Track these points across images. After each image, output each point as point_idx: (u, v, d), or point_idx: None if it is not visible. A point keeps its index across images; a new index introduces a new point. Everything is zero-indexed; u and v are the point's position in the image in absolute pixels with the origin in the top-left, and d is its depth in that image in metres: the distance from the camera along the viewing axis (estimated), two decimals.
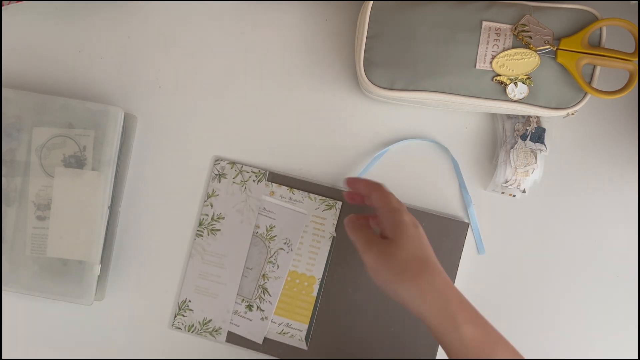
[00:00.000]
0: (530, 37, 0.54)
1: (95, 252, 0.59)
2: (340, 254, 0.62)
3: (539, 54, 0.55)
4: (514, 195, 0.63)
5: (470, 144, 0.64)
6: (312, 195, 0.63)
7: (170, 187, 0.64)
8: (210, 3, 0.64)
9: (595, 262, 0.63)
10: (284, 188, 0.63)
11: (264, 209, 0.63)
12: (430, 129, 0.64)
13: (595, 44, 0.56)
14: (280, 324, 0.62)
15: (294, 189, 0.63)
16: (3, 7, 0.63)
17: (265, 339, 0.62)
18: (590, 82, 0.56)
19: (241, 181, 0.63)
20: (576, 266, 0.63)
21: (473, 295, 0.62)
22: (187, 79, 0.64)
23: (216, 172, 0.63)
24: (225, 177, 0.63)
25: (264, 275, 0.63)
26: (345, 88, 0.64)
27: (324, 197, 0.63)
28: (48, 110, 0.60)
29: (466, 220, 0.63)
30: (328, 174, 0.64)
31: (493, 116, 0.64)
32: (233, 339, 0.62)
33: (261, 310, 0.62)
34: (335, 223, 0.63)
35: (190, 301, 0.62)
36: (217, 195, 0.63)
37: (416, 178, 0.63)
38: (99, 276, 0.60)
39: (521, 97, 0.56)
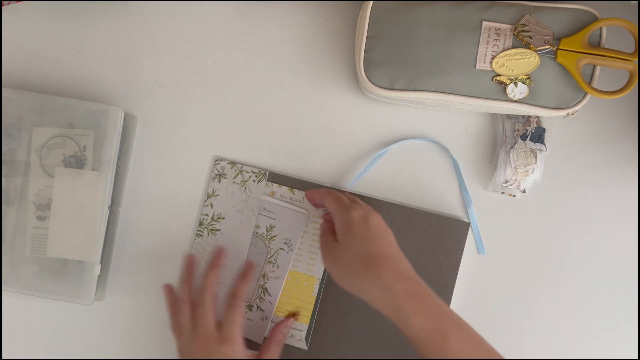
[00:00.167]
0: (530, 37, 0.54)
1: (95, 252, 0.59)
2: None
3: (539, 54, 0.55)
4: (514, 195, 0.63)
5: (470, 144, 0.64)
6: None
7: (170, 187, 0.64)
8: (210, 3, 0.64)
9: (595, 262, 0.63)
10: (284, 188, 0.63)
11: (264, 209, 0.63)
12: (430, 129, 0.64)
13: (595, 44, 0.56)
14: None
15: (294, 189, 0.63)
16: (3, 7, 0.63)
17: (265, 338, 0.62)
18: (590, 82, 0.56)
19: (241, 181, 0.63)
20: (576, 266, 0.63)
21: (473, 295, 0.63)
22: (187, 79, 0.64)
23: (216, 172, 0.63)
24: (225, 177, 0.63)
25: (263, 275, 0.63)
26: (345, 88, 0.64)
27: None
28: (48, 110, 0.60)
29: (466, 220, 0.63)
30: (328, 174, 0.64)
31: (493, 116, 0.64)
32: None
33: (261, 310, 0.62)
34: None
35: None
36: (217, 195, 0.63)
37: (416, 178, 0.63)
38: (99, 276, 0.60)
39: (521, 97, 0.56)
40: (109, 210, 0.60)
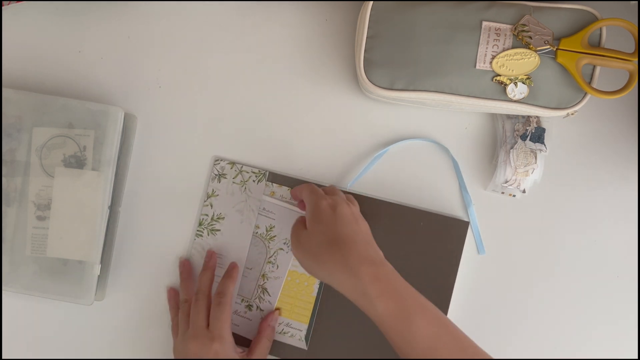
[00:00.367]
0: (530, 37, 0.54)
1: (95, 252, 0.59)
2: None
3: (539, 54, 0.55)
4: (514, 195, 0.63)
5: (470, 144, 0.64)
6: None
7: (170, 187, 0.64)
8: (210, 3, 0.64)
9: (595, 262, 0.63)
10: (284, 188, 0.63)
11: (264, 209, 0.63)
12: (430, 129, 0.64)
13: (595, 44, 0.56)
14: (280, 324, 0.62)
15: None
16: (3, 7, 0.63)
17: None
18: (590, 82, 0.56)
19: (241, 181, 0.63)
20: (576, 266, 0.63)
21: (473, 295, 0.63)
22: (187, 79, 0.64)
23: (216, 172, 0.63)
24: (225, 177, 0.63)
25: (263, 275, 0.63)
26: (345, 88, 0.64)
27: None
28: (48, 110, 0.60)
29: (466, 220, 0.63)
30: (328, 174, 0.64)
31: (493, 116, 0.64)
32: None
33: (261, 310, 0.62)
34: None
35: None
36: (217, 195, 0.63)
37: (416, 178, 0.63)
38: (99, 276, 0.60)
39: (521, 97, 0.56)
40: (109, 210, 0.60)
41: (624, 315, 0.63)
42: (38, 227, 0.60)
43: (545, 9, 0.55)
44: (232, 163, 0.63)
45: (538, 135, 0.60)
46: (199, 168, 0.64)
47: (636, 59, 0.54)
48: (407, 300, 0.48)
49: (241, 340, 0.62)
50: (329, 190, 0.57)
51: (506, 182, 0.61)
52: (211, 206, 0.63)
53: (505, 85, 0.55)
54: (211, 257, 0.62)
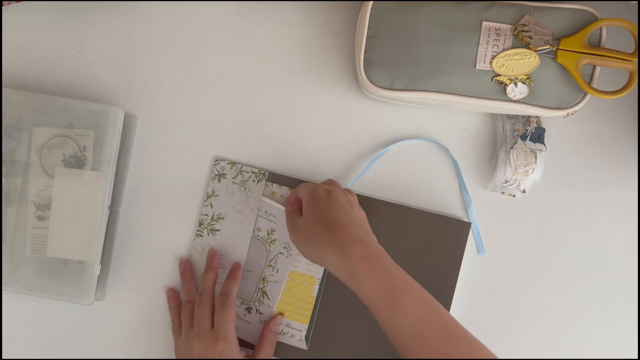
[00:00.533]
0: (530, 37, 0.54)
1: (95, 252, 0.59)
2: None
3: (539, 54, 0.55)
4: (514, 195, 0.63)
5: (470, 144, 0.64)
6: None
7: (170, 187, 0.64)
8: (210, 3, 0.64)
9: (595, 261, 0.63)
10: (284, 188, 0.63)
11: (265, 211, 0.63)
12: (430, 129, 0.64)
13: (595, 44, 0.56)
14: (280, 324, 0.62)
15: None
16: (3, 7, 0.63)
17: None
18: (590, 82, 0.56)
19: (241, 181, 0.63)
20: (576, 266, 0.63)
21: (474, 295, 0.63)
22: (187, 79, 0.64)
23: (216, 172, 0.63)
24: (225, 177, 0.63)
25: (263, 278, 0.62)
26: (345, 88, 0.64)
27: None
28: (48, 110, 0.60)
29: (467, 220, 0.63)
30: (328, 174, 0.64)
31: (493, 116, 0.64)
32: None
33: (260, 313, 0.62)
34: None
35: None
36: (217, 195, 0.63)
37: (416, 178, 0.63)
38: (99, 276, 0.60)
39: (521, 97, 0.56)
40: (109, 210, 0.60)
41: (624, 315, 0.63)
42: (38, 227, 0.60)
43: (545, 9, 0.55)
44: (232, 163, 0.63)
45: (538, 135, 0.60)
46: (199, 168, 0.64)
47: (636, 59, 0.54)
48: (395, 280, 0.48)
49: (240, 343, 0.62)
50: (327, 182, 0.58)
51: (506, 182, 0.61)
52: (211, 206, 0.63)
53: (505, 85, 0.55)
54: (214, 257, 0.62)
